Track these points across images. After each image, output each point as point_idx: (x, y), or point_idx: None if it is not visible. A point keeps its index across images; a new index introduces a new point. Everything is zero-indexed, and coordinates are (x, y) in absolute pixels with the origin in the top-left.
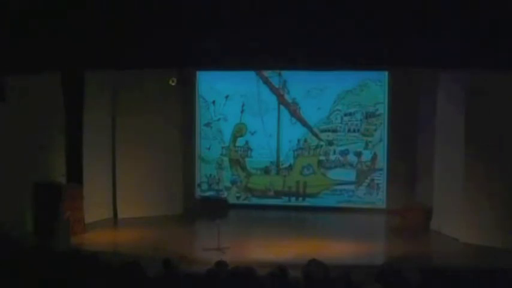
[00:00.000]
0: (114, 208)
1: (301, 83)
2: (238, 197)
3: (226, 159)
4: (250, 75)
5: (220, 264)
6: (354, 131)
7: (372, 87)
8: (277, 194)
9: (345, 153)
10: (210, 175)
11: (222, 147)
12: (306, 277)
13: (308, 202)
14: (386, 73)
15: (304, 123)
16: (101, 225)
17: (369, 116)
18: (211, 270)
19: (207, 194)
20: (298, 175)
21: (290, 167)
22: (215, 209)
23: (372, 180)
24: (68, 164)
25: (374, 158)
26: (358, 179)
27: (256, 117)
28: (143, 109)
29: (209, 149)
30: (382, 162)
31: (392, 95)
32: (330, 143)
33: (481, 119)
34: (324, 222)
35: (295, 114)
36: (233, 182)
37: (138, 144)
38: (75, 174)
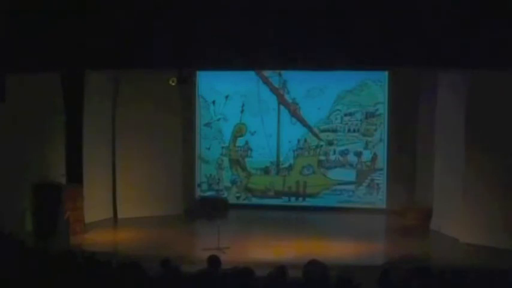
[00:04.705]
0: (114, 208)
1: (301, 83)
2: (238, 197)
3: (226, 159)
4: (250, 75)
5: (213, 260)
6: (354, 131)
7: (372, 87)
8: (277, 194)
9: (345, 153)
10: (210, 175)
11: (222, 147)
12: (306, 277)
13: (308, 202)
14: (386, 73)
15: (304, 123)
16: (101, 225)
17: (369, 116)
18: (209, 269)
19: (207, 194)
20: (298, 175)
21: (290, 167)
22: (215, 209)
23: (372, 180)
24: (68, 164)
25: (374, 158)
26: (358, 179)
27: (256, 117)
28: (143, 109)
29: (209, 149)
30: (382, 162)
31: (392, 95)
32: (330, 143)
33: (482, 118)
34: (324, 222)
35: (295, 114)
36: (233, 182)
37: (138, 144)
38: (75, 174)
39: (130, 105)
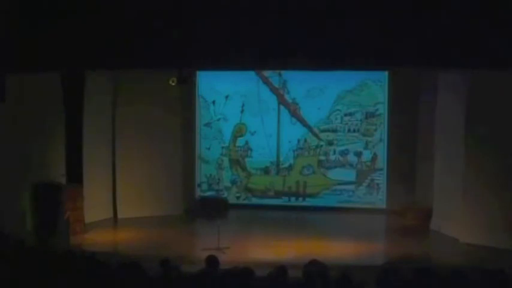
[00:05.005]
0: (114, 208)
1: (301, 83)
2: (238, 197)
3: (226, 159)
4: (250, 75)
5: (211, 260)
6: (354, 131)
7: (372, 87)
8: (277, 194)
9: (345, 153)
10: (210, 175)
11: (222, 147)
12: (306, 277)
13: (308, 202)
14: (386, 73)
15: (304, 123)
16: (101, 225)
17: (369, 116)
18: (208, 269)
19: (207, 194)
20: (298, 175)
21: (290, 167)
22: (215, 209)
23: (372, 180)
24: (68, 164)
25: (374, 158)
26: (358, 179)
27: (256, 117)
28: (143, 109)
29: (209, 149)
30: (382, 162)
31: (392, 95)
32: (330, 143)
33: (482, 118)
34: (324, 222)
35: (295, 114)
36: (233, 182)
37: (138, 144)
38: (75, 174)
39: (130, 105)
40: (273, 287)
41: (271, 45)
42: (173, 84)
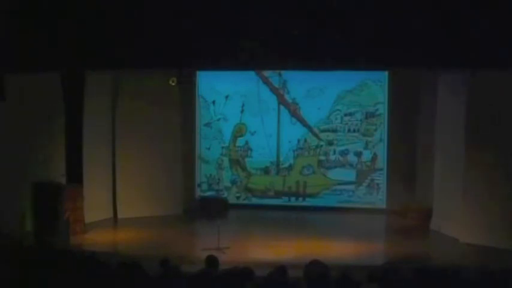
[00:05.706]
0: (114, 208)
1: (301, 83)
2: (238, 197)
3: (226, 159)
4: (250, 75)
5: (211, 260)
6: (354, 131)
7: (372, 87)
8: (277, 194)
9: (345, 153)
10: (210, 175)
11: (222, 147)
12: (307, 277)
13: (308, 202)
14: (386, 73)
15: (304, 123)
16: (101, 225)
17: (369, 116)
18: (207, 270)
19: (207, 194)
20: (298, 175)
21: (290, 167)
22: (215, 209)
23: (372, 180)
24: (68, 164)
25: (374, 158)
26: (358, 179)
27: (256, 117)
28: (143, 109)
29: (209, 149)
30: (382, 162)
31: (392, 95)
32: (330, 143)
33: (482, 118)
34: (324, 222)
35: (295, 114)
36: (233, 182)
37: (138, 145)
38: (75, 174)
39: (131, 105)
40: (273, 287)
41: (272, 45)
42: (173, 84)
